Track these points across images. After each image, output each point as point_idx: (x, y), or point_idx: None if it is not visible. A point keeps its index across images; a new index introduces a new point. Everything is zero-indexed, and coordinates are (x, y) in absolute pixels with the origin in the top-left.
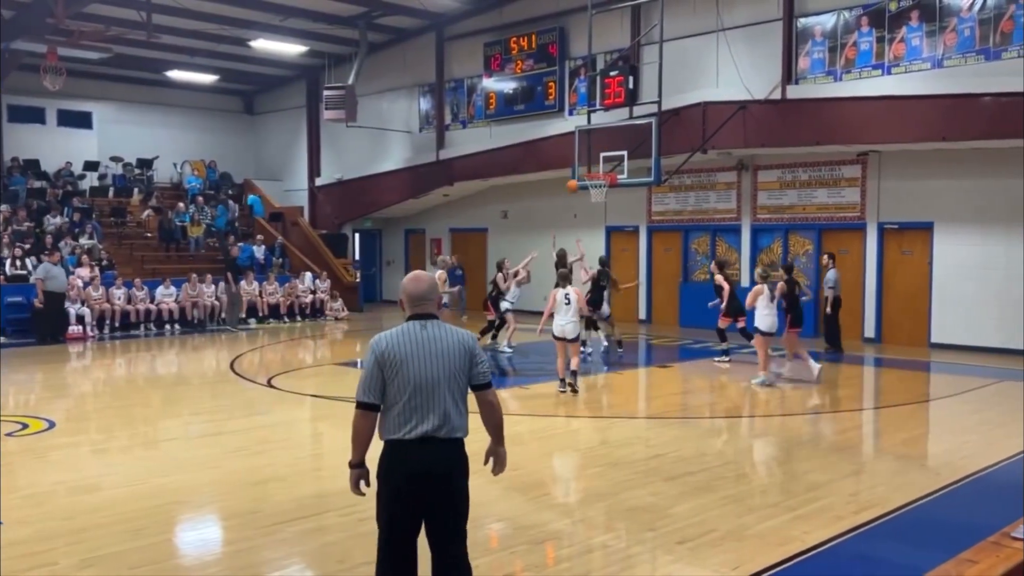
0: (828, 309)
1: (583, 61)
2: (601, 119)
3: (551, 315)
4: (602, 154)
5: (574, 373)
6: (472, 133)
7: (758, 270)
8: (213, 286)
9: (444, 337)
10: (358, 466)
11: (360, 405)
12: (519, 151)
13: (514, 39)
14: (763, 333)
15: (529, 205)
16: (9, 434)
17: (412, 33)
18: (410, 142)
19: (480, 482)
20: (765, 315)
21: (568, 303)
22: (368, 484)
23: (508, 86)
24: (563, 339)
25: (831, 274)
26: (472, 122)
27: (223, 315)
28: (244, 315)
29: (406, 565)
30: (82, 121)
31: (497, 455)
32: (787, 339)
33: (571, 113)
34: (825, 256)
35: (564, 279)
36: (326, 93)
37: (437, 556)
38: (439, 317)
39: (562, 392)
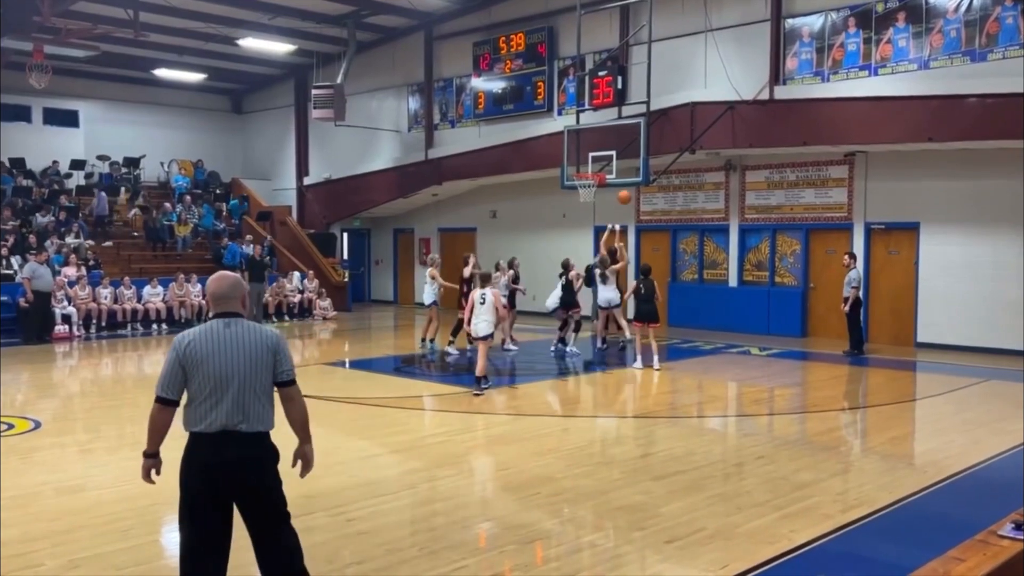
0: (847, 308)
1: (572, 61)
2: (590, 119)
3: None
4: (591, 154)
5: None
6: (461, 133)
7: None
8: (199, 285)
9: (246, 335)
10: (152, 456)
11: (158, 399)
12: (508, 151)
13: (503, 39)
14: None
15: (518, 205)
16: None
17: (401, 32)
18: (399, 141)
19: (468, 482)
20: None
21: (483, 303)
22: (159, 473)
23: (497, 86)
24: (476, 337)
25: (853, 273)
26: (461, 122)
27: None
28: None
29: (209, 556)
30: (68, 119)
31: (304, 455)
32: (641, 330)
33: (560, 113)
34: (847, 256)
35: (484, 280)
36: (314, 92)
37: (256, 542)
38: (244, 316)
39: (476, 395)
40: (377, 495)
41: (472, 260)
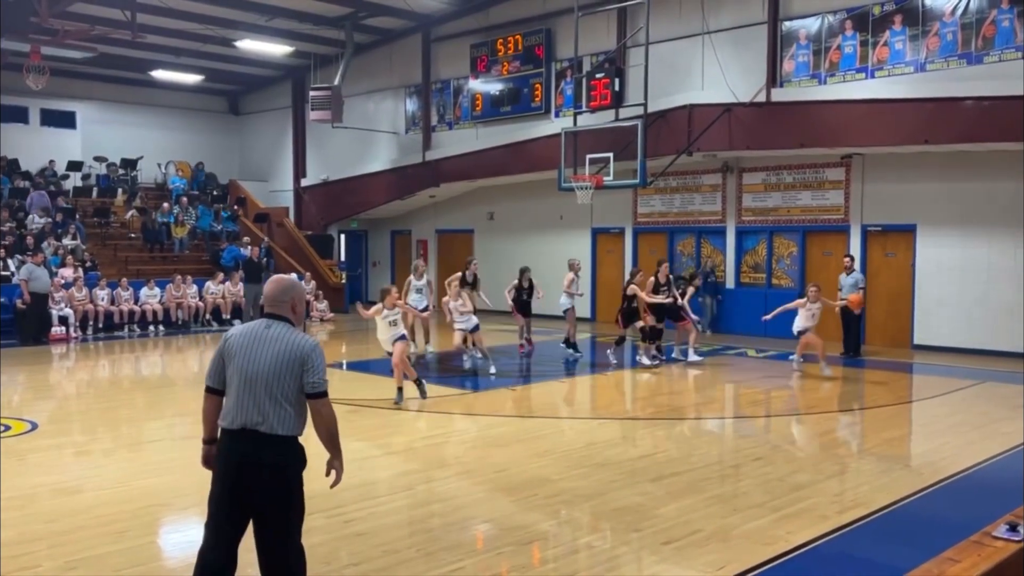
0: (858, 311)
1: (569, 63)
2: (587, 121)
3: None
4: (588, 156)
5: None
6: (458, 134)
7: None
8: (196, 287)
9: (281, 339)
10: (208, 442)
11: (205, 388)
12: (505, 152)
13: (500, 41)
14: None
15: (515, 206)
16: None
17: (398, 34)
18: (396, 143)
19: (466, 483)
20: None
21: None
22: None
23: (494, 87)
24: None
25: (859, 275)
26: (458, 123)
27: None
28: (229, 316)
29: (222, 547)
30: (66, 121)
31: (333, 467)
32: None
33: (557, 115)
34: (848, 258)
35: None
36: (312, 94)
37: (259, 549)
38: (294, 322)
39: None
40: (375, 496)
41: (641, 273)
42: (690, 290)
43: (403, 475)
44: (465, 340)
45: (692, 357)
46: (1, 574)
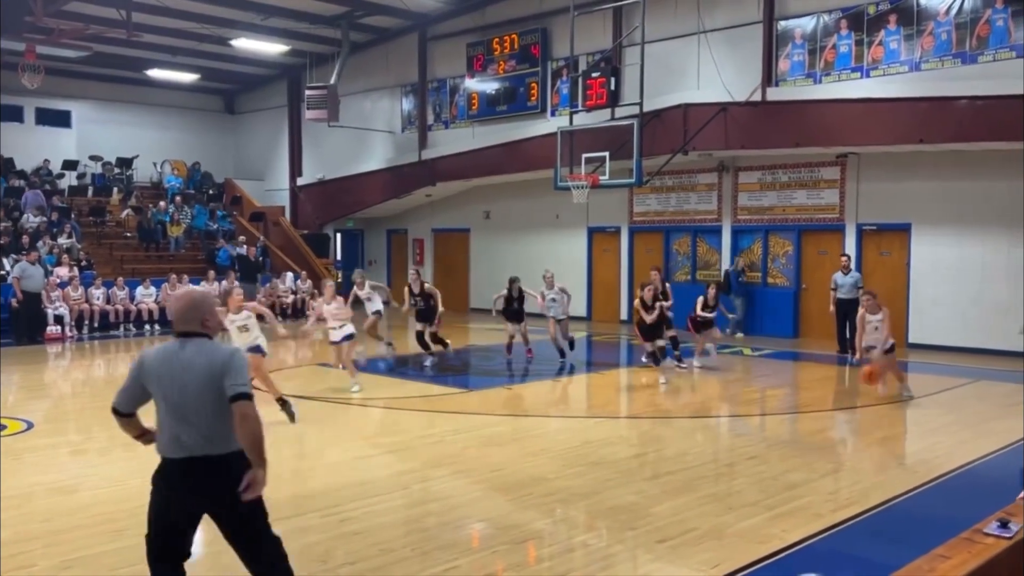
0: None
1: (565, 62)
2: (583, 120)
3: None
4: (584, 155)
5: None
6: (455, 133)
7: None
8: (191, 286)
9: (200, 356)
10: (142, 433)
11: (114, 411)
12: (501, 152)
13: (497, 40)
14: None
15: (511, 205)
16: None
17: (395, 33)
18: (392, 142)
19: (461, 482)
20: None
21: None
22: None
23: (491, 87)
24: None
25: (856, 276)
26: (455, 122)
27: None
28: None
29: (163, 567)
30: (61, 120)
31: (255, 477)
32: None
33: (553, 114)
34: (845, 258)
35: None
36: (308, 93)
37: (239, 556)
38: (210, 335)
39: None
40: (370, 495)
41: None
42: (711, 290)
43: (399, 474)
44: (340, 352)
45: (697, 361)
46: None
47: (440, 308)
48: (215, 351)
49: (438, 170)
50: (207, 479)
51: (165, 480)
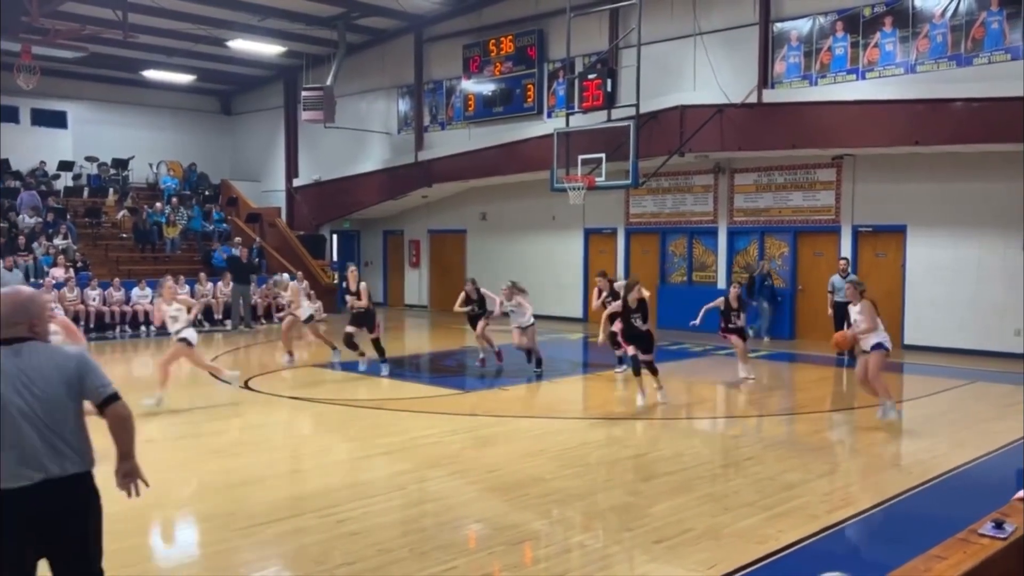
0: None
1: (562, 64)
2: (579, 121)
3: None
4: (580, 156)
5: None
6: (451, 135)
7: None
8: (188, 287)
9: (41, 362)
10: None
11: None
12: (498, 153)
13: (493, 41)
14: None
15: (508, 207)
16: None
17: (391, 34)
18: (389, 143)
19: (458, 483)
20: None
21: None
22: None
23: (487, 88)
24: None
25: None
26: (451, 124)
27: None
28: (220, 316)
29: None
30: (56, 120)
31: (129, 471)
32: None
33: (549, 115)
34: (843, 261)
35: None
36: (304, 94)
37: None
38: (39, 338)
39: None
40: (367, 496)
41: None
42: (733, 290)
43: (395, 475)
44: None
45: (741, 373)
46: None
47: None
48: (60, 354)
49: (434, 171)
50: (59, 502)
51: (17, 515)
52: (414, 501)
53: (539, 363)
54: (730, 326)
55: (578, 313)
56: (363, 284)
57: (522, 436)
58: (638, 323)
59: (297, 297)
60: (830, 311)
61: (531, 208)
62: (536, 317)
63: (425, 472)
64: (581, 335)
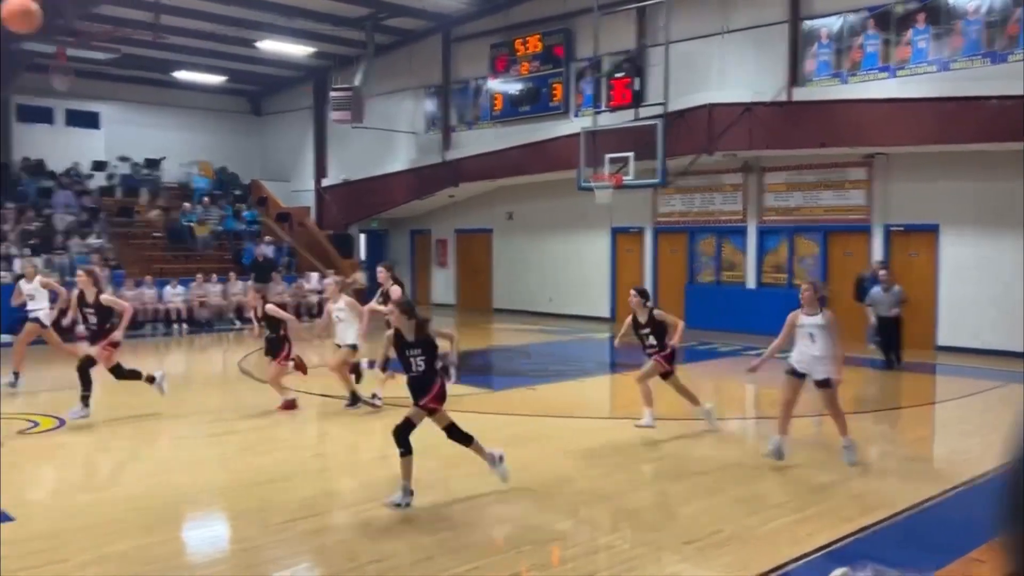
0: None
1: (589, 62)
2: (607, 120)
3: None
4: (608, 155)
5: None
6: (478, 134)
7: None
8: (219, 285)
9: None
10: None
11: None
12: (525, 152)
13: (520, 40)
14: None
15: (534, 206)
16: (21, 432)
17: (419, 35)
18: (416, 143)
19: (486, 482)
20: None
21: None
22: None
23: (514, 87)
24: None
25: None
26: (478, 123)
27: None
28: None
29: None
30: (90, 121)
31: None
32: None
33: (577, 114)
34: (882, 269)
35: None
36: (333, 94)
37: None
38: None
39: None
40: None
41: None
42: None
43: (423, 473)
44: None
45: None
46: (31, 566)
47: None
48: None
49: (461, 171)
50: None
51: None
52: (441, 500)
53: (354, 400)
54: None
55: (605, 312)
56: (396, 288)
57: (550, 435)
58: (650, 340)
59: (356, 311)
60: (872, 322)
61: (558, 208)
62: (563, 316)
63: (452, 471)
64: (607, 335)
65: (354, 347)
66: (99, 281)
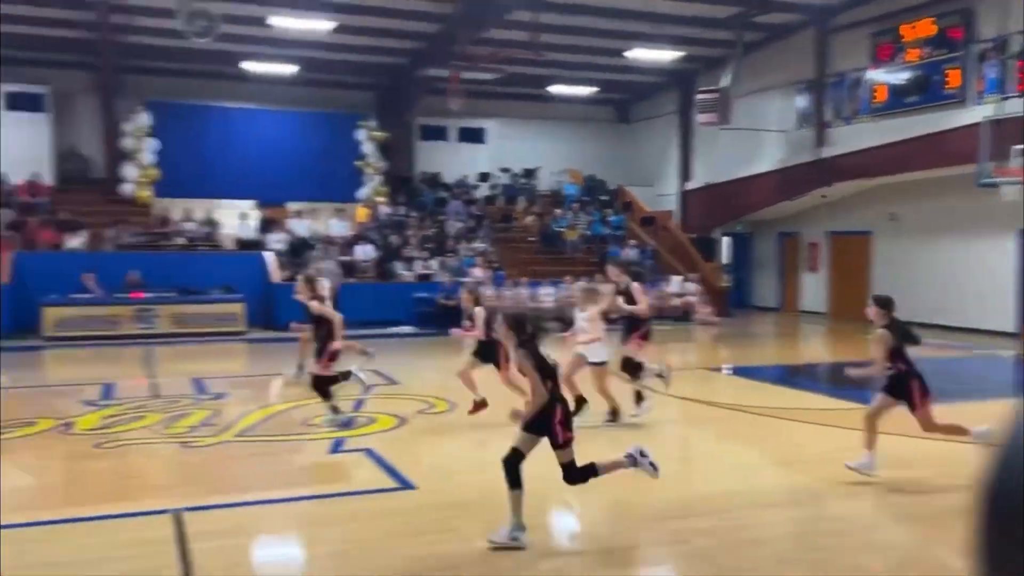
0: None
1: (993, 43)
2: (1014, 108)
3: None
4: (1014, 147)
5: None
6: (855, 129)
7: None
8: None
9: None
10: None
11: None
12: (912, 146)
13: (907, 25)
14: None
15: (920, 206)
16: (419, 412)
17: (789, 29)
18: (784, 142)
19: (861, 504)
20: None
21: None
22: None
23: (899, 76)
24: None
25: None
26: (856, 118)
27: None
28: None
29: None
30: (477, 136)
31: None
32: None
33: (978, 102)
34: None
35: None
36: (699, 97)
37: None
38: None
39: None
40: (762, 505)
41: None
42: None
43: (790, 488)
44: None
45: None
46: (429, 531)
47: None
48: None
49: (836, 169)
50: None
51: None
52: (809, 517)
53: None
54: None
55: (1008, 326)
56: (636, 285)
57: (939, 459)
58: None
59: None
60: None
61: (949, 207)
62: (953, 329)
63: (821, 488)
64: (1012, 352)
65: (603, 363)
66: (315, 288)
